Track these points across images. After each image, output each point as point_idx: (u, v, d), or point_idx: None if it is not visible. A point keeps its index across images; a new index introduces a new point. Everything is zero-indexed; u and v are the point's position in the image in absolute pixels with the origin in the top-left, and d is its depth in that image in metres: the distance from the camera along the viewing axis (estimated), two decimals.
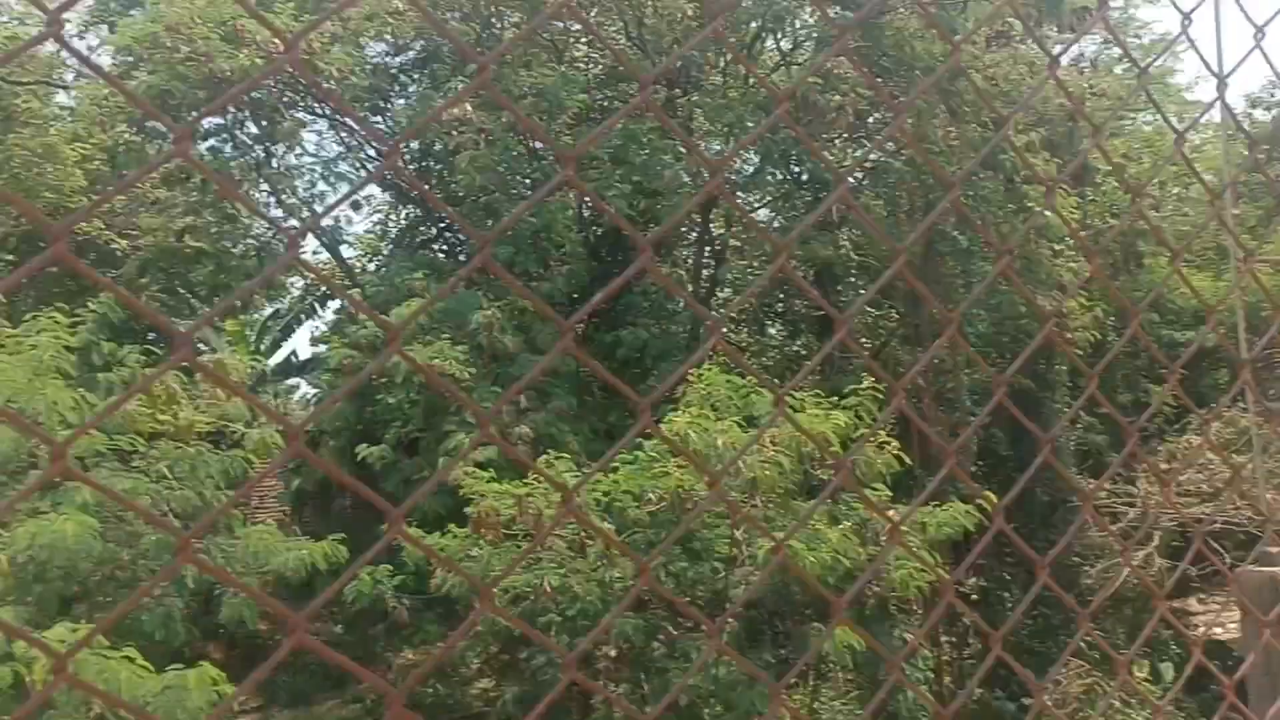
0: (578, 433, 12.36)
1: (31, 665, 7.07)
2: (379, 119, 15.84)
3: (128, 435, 8.82)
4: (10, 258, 15.65)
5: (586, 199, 15.06)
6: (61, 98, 17.58)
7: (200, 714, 7.46)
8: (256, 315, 18.80)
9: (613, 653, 9.70)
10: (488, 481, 9.10)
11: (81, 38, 18.47)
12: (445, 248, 16.22)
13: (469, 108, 12.77)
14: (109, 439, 8.63)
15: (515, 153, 14.55)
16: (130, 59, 14.67)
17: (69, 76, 17.99)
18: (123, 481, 8.41)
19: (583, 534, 8.67)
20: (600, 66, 15.69)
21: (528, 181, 14.65)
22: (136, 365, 9.50)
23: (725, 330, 16.61)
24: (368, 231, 18.08)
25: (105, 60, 18.02)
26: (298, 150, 16.58)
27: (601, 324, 14.82)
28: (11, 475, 8.31)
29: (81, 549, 7.72)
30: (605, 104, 15.19)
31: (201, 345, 15.46)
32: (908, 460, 9.33)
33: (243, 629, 9.23)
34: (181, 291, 16.37)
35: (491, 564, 8.96)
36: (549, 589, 8.61)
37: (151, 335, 13.87)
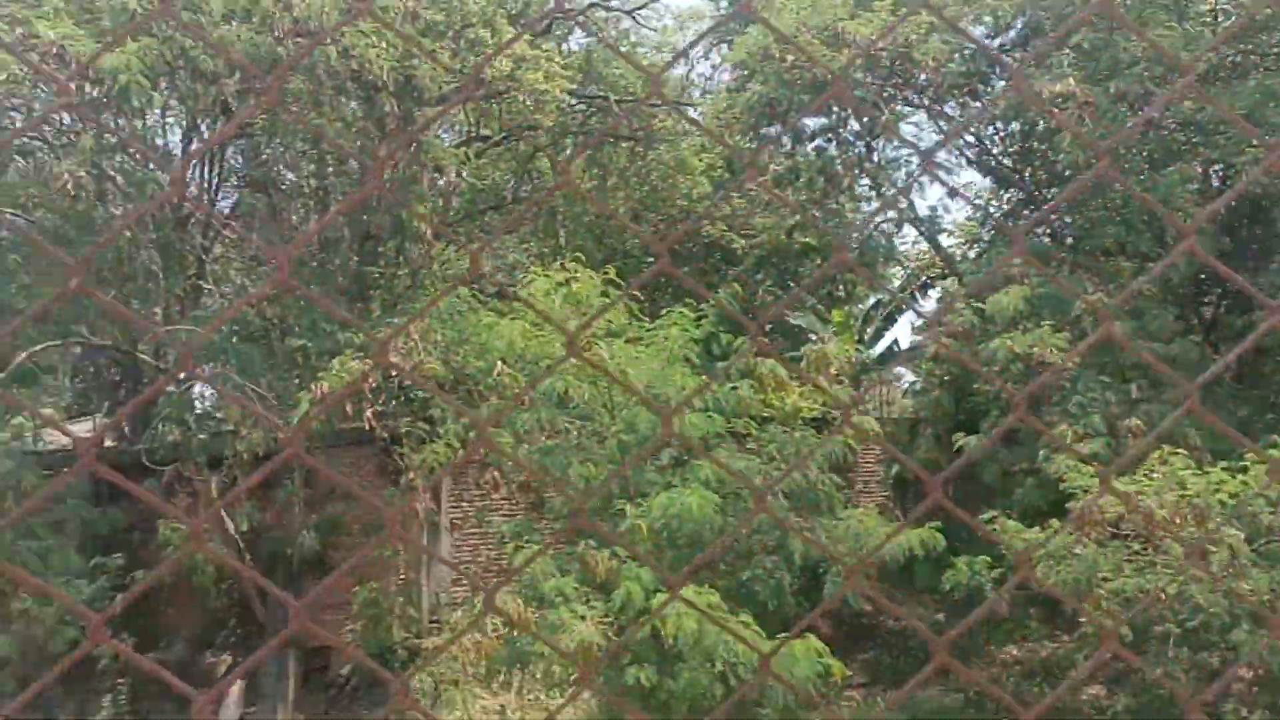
0: (1200, 427, 11.16)
1: (665, 622, 8.05)
2: (977, 104, 15.57)
3: (742, 420, 9.65)
4: (650, 260, 17.85)
5: (1216, 167, 13.55)
6: (690, 113, 19.60)
7: (806, 682, 7.96)
8: (861, 306, 19.46)
9: (1247, 674, 8.68)
10: (1092, 476, 8.59)
11: (706, 57, 20.52)
12: (1049, 232, 15.52)
13: (1071, 81, 12.08)
14: (726, 422, 9.50)
15: (1127, 124, 13.48)
16: (745, 72, 15.91)
17: (695, 94, 20.06)
18: (739, 461, 9.21)
19: (1205, 539, 7.85)
20: (1233, 19, 13.94)
21: (1142, 155, 13.51)
22: (749, 354, 10.32)
23: None
24: (968, 219, 17.89)
25: (725, 75, 19.84)
26: (895, 143, 16.87)
27: (1233, 306, 13.26)
28: (650, 452, 9.49)
29: (705, 520, 8.60)
30: (1237, 60, 13.50)
31: (812, 335, 16.39)
32: None
33: (847, 608, 9.65)
34: (791, 285, 17.50)
35: (1098, 564, 8.45)
36: (1163, 596, 7.92)
37: (769, 326, 15.00)
